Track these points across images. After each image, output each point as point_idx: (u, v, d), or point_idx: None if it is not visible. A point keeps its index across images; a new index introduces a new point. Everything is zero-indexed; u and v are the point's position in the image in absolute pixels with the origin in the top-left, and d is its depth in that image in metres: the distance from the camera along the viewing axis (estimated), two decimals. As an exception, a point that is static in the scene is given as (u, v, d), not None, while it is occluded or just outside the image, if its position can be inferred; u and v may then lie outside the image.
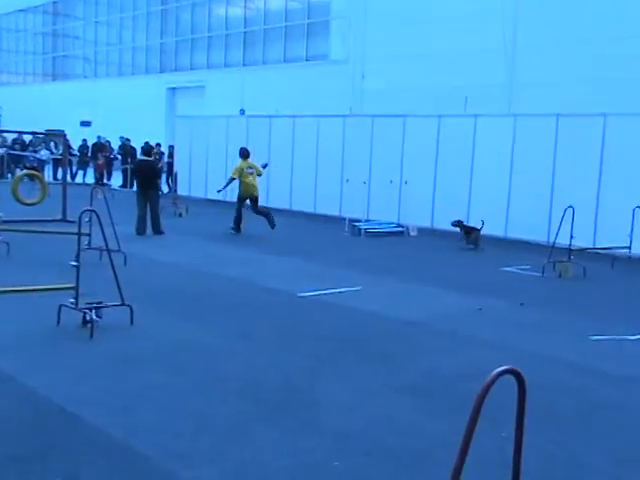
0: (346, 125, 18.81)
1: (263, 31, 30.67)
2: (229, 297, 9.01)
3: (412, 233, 16.49)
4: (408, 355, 6.73)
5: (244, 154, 15.70)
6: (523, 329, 7.95)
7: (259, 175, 16.00)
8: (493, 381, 2.71)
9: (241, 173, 15.51)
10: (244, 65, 31.37)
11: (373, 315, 8.28)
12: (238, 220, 15.29)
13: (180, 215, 17.98)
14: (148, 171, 14.74)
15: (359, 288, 9.81)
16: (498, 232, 15.37)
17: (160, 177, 15.47)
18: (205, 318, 7.80)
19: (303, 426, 4.82)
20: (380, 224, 16.87)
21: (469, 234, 14.50)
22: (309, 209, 19.43)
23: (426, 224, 16.79)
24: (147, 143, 16.42)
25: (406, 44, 23.73)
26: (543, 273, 11.41)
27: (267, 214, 15.86)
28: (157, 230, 14.42)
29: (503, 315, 8.64)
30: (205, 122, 23.02)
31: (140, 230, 14.21)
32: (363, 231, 15.99)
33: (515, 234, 15.27)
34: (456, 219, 14.95)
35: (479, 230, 14.37)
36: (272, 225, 15.64)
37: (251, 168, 15.71)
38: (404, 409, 5.25)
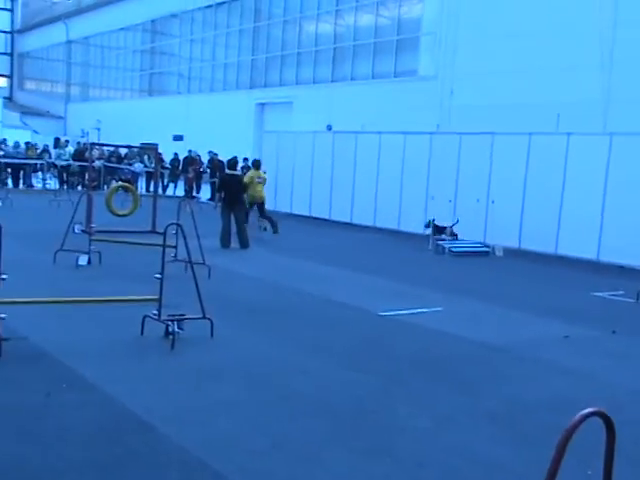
0: (433, 142, 18.65)
1: (352, 47, 30.81)
2: (308, 313, 9.02)
3: (498, 253, 16.16)
4: (488, 380, 6.56)
5: (256, 164, 16.50)
6: (613, 359, 7.63)
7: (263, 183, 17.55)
8: (578, 424, 2.57)
9: (251, 181, 16.71)
10: (332, 81, 31.57)
11: (453, 337, 8.12)
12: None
13: (265, 229, 18.16)
14: (234, 185, 14.96)
15: (440, 309, 9.66)
16: (590, 255, 14.89)
17: (246, 191, 15.69)
18: (283, 333, 7.83)
19: (377, 450, 4.75)
20: (465, 243, 16.61)
21: (441, 233, 16.20)
22: (393, 226, 19.33)
23: (513, 244, 16.43)
24: (234, 157, 16.64)
25: (496, 59, 23.37)
26: (638, 299, 10.95)
27: (271, 219, 17.28)
28: (243, 244, 14.60)
29: (592, 343, 8.32)
30: (292, 137, 23.27)
31: (225, 243, 14.43)
32: (447, 250, 15.77)
33: (608, 258, 14.73)
34: (429, 219, 16.59)
35: (451, 227, 16.20)
36: (275, 230, 16.83)
37: (260, 177, 17.22)
38: (482, 438, 5.10)
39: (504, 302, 10.44)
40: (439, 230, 16.16)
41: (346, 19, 31.63)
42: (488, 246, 16.44)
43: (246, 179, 16.57)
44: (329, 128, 26.70)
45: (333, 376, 6.35)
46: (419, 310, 9.41)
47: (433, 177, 18.32)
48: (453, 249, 15.85)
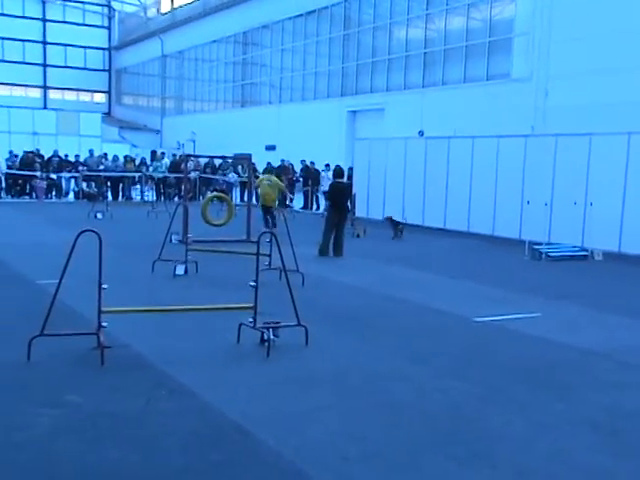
0: (528, 145, 18.23)
1: (443, 51, 30.53)
2: (402, 320, 8.95)
3: (597, 257, 15.62)
4: (588, 387, 6.35)
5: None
6: None
7: (280, 189, 19.00)
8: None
9: (259, 184, 18.48)
10: (423, 86, 31.36)
11: (552, 343, 7.90)
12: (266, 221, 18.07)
13: (358, 236, 18.21)
14: (342, 193, 15.00)
15: (538, 314, 9.42)
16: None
17: (350, 199, 15.70)
18: (378, 341, 7.80)
19: (475, 458, 4.66)
20: (562, 247, 16.14)
21: (397, 227, 18.51)
22: (487, 231, 18.99)
23: (613, 248, 15.86)
24: (339, 166, 16.46)
25: (592, 58, 22.67)
26: None
27: (273, 215, 18.35)
28: (339, 252, 14.59)
29: (700, 349, 7.94)
30: (384, 144, 23.22)
31: (324, 251, 14.42)
32: (544, 255, 15.37)
33: None
34: (387, 215, 19.36)
35: (404, 224, 18.83)
36: (274, 225, 17.60)
37: (269, 180, 18.40)
38: (583, 446, 4.94)
39: (604, 307, 10.09)
40: (396, 225, 18.56)
41: (436, 23, 31.36)
42: (586, 250, 15.92)
43: (257, 182, 18.64)
44: (421, 134, 26.51)
45: (430, 383, 6.27)
46: (516, 316, 9.21)
47: (528, 181, 17.90)
48: (550, 254, 15.43)
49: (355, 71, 35.63)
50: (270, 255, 10.83)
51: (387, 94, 33.14)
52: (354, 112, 35.59)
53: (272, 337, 7.07)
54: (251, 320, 7.15)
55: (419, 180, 21.22)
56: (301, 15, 38.78)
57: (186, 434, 4.92)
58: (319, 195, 27.34)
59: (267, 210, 18.35)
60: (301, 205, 27.52)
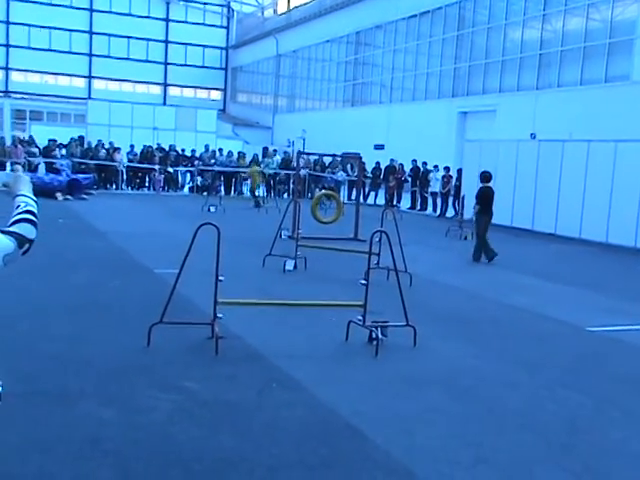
0: (648, 150, 17.51)
1: (559, 52, 29.70)
2: (512, 325, 8.79)
3: None
4: None
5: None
6: None
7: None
8: None
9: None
10: (537, 88, 30.61)
11: (672, 359, 7.58)
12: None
13: (465, 238, 17.97)
14: (489, 198, 14.86)
15: (657, 328, 9.05)
16: None
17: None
18: (486, 345, 7.69)
19: (592, 473, 4.54)
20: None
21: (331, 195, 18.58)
22: (601, 238, 18.34)
23: None
24: (487, 171, 16.02)
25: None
26: None
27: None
28: (477, 257, 14.32)
29: None
30: (494, 146, 22.81)
31: (490, 254, 14.24)
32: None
33: None
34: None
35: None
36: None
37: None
38: None
39: None
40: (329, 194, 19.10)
41: (553, 24, 30.55)
42: None
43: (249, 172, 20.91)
44: (533, 136, 25.89)
45: (542, 392, 6.14)
46: (633, 327, 8.87)
47: (647, 187, 17.20)
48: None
49: (467, 72, 35.16)
50: (379, 254, 10.87)
51: (499, 95, 32.55)
52: (465, 113, 35.14)
53: (381, 336, 7.09)
54: (360, 318, 7.21)
55: (530, 183, 20.72)
56: (415, 16, 38.58)
57: (297, 428, 5.02)
58: (427, 196, 27.12)
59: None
60: (408, 205, 27.40)
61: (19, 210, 2.40)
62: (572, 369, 6.95)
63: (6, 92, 54.23)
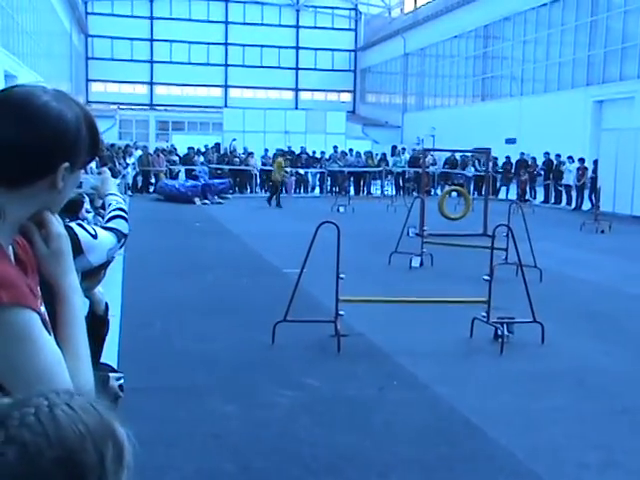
0: None
1: None
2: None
3: None
4: None
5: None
6: None
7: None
8: None
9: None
10: (681, 72, 28.84)
11: None
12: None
13: (602, 232, 17.19)
14: None
15: None
16: None
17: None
18: (620, 342, 7.28)
19: None
20: None
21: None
22: None
23: None
24: None
25: None
26: None
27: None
28: None
29: None
30: (633, 134, 21.69)
31: None
32: None
33: None
34: None
35: None
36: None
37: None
38: None
39: None
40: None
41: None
42: None
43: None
44: (677, 123, 24.41)
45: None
46: None
47: None
48: None
49: (602, 59, 33.59)
50: (507, 250, 10.58)
51: (637, 82, 30.90)
52: (600, 102, 33.58)
53: (506, 333, 6.91)
54: (484, 314, 7.05)
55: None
56: (545, 5, 37.30)
57: (416, 425, 4.97)
58: (561, 189, 26.17)
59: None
60: (541, 199, 26.54)
61: (112, 208, 2.53)
62: None
63: (151, 105, 57.08)
